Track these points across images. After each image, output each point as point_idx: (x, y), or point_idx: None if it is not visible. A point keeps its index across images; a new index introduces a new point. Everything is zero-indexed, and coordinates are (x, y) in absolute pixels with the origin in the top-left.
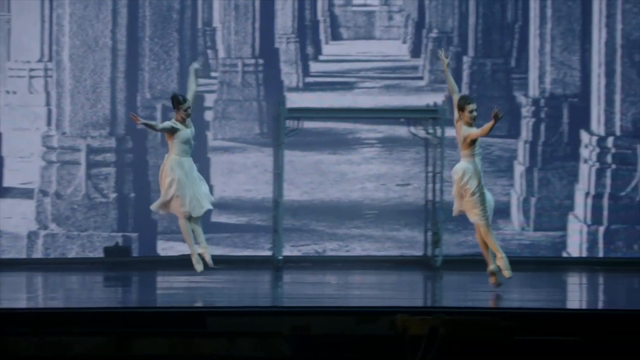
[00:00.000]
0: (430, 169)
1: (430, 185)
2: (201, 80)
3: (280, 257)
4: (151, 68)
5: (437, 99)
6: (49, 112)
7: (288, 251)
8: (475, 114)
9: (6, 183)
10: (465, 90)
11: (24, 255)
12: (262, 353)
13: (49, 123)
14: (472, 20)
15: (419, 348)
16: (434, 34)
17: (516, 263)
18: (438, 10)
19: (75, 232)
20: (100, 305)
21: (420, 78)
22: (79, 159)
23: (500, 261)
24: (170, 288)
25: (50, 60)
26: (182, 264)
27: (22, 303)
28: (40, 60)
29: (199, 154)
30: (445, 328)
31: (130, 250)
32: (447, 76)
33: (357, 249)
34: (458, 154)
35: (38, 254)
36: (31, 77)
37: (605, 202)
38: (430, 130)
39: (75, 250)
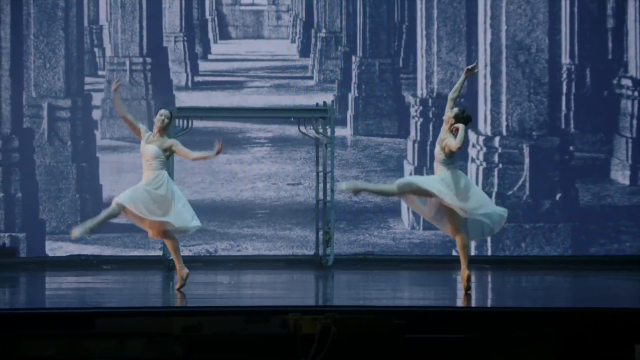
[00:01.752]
0: (320, 168)
1: (321, 185)
2: (88, 79)
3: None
4: (37, 66)
5: (327, 98)
6: None
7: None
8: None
9: None
10: (354, 90)
11: None
12: (153, 354)
13: None
14: (359, 20)
15: (311, 347)
16: (322, 34)
17: (406, 262)
18: (326, 10)
19: None
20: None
21: (310, 78)
22: None
23: None
24: (59, 289)
25: None
26: (71, 264)
27: None
28: None
29: (88, 153)
30: (336, 327)
31: (18, 251)
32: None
33: (249, 249)
34: (347, 153)
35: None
36: None
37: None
38: (320, 130)
39: None
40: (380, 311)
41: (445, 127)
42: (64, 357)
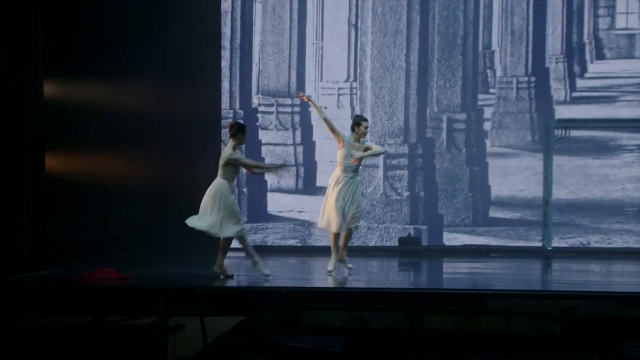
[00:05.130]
0: None
1: None
2: (481, 96)
3: (550, 248)
4: (438, 86)
5: None
6: None
7: (556, 243)
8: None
9: (318, 183)
10: None
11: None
12: (535, 331)
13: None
14: None
15: None
16: None
17: None
18: None
19: (375, 224)
20: (396, 286)
21: None
22: (378, 163)
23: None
24: (454, 273)
25: (355, 80)
26: (464, 253)
27: (332, 283)
28: (346, 81)
29: (479, 159)
30: None
31: (420, 240)
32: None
33: (619, 242)
34: None
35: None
36: (339, 94)
37: None
38: None
39: (375, 240)
40: None
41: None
42: (460, 330)
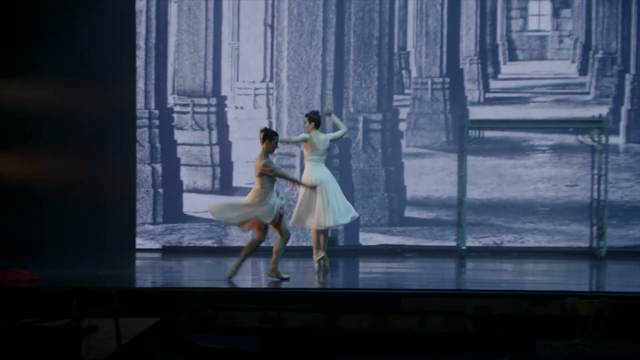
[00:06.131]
0: (595, 172)
1: (595, 186)
2: (396, 97)
3: (464, 247)
4: (354, 86)
5: (602, 111)
6: (270, 124)
7: (470, 242)
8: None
9: (235, 183)
10: (627, 104)
11: None
12: (449, 329)
13: None
14: (633, 42)
15: (586, 327)
16: (599, 55)
17: None
18: (603, 34)
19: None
20: (313, 286)
21: (587, 93)
22: (295, 164)
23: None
24: (370, 273)
25: (271, 80)
26: (380, 252)
27: (248, 284)
28: (263, 81)
29: (395, 159)
30: (609, 310)
31: (337, 240)
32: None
33: (531, 241)
34: (620, 158)
35: (264, 243)
36: (256, 94)
37: None
38: (596, 138)
39: (291, 240)
40: None
41: None
42: (375, 329)
